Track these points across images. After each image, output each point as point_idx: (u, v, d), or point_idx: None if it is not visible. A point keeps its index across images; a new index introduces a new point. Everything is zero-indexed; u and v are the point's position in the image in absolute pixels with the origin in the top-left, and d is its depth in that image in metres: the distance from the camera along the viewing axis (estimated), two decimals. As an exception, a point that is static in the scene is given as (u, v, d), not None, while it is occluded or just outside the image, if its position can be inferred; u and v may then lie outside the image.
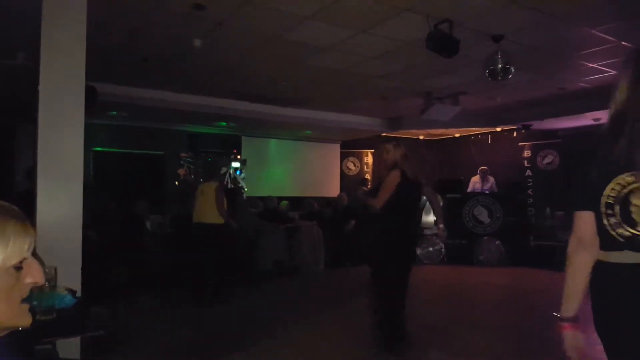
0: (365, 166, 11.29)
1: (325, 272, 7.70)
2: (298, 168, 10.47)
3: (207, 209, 5.51)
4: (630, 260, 1.34)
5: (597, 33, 4.77)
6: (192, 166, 8.82)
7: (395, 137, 9.78)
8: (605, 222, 1.38)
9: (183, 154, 8.79)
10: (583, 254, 1.43)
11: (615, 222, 1.37)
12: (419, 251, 9.10)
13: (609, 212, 1.37)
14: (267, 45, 5.14)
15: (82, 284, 3.00)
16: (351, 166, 11.27)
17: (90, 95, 4.70)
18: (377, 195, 3.75)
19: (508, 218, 8.33)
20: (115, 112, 7.76)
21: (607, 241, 1.39)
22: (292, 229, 7.69)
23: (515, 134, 10.25)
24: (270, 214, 7.93)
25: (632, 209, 1.32)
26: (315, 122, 8.87)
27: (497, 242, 8.18)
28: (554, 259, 8.84)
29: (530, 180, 9.91)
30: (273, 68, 6.02)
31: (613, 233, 1.37)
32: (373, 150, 11.29)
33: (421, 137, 11.69)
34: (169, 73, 6.22)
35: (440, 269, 8.01)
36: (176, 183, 7.73)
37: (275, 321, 4.85)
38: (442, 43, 4.28)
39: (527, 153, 10.06)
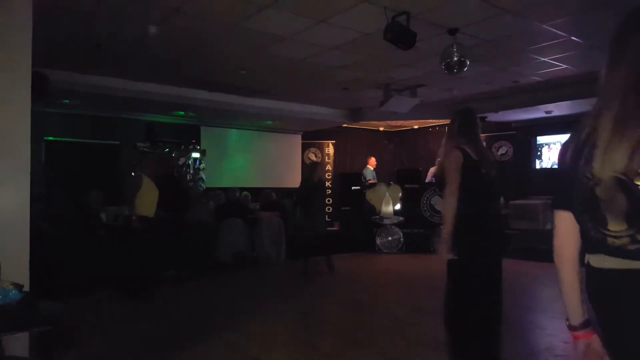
0: (326, 157, 11.34)
1: (286, 263, 7.72)
2: (259, 159, 10.40)
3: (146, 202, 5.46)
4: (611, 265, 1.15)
5: (548, 28, 4.96)
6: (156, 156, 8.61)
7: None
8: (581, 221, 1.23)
9: (140, 144, 8.55)
10: (565, 254, 1.30)
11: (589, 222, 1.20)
12: (378, 241, 9.29)
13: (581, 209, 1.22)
14: (225, 34, 5.06)
15: (31, 278, 2.89)
16: (312, 157, 11.30)
17: (41, 82, 4.49)
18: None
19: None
20: (68, 101, 7.45)
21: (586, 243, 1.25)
22: (252, 221, 7.65)
23: (471, 126, 10.53)
24: (231, 206, 7.86)
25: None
26: (276, 113, 8.82)
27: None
28: (508, 247, 9.24)
29: (438, 168, 10.23)
30: (232, 57, 5.93)
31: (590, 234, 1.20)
32: (334, 141, 11.36)
33: (381, 129, 11.86)
34: (124, 60, 6.02)
35: (399, 258, 8.20)
36: (132, 174, 7.53)
37: (234, 313, 4.84)
38: (400, 35, 4.35)
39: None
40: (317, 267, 7.05)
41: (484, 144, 3.20)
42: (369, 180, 10.07)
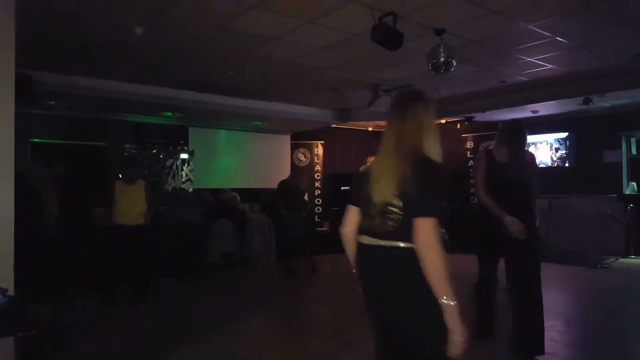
0: (315, 157, 11.35)
1: (277, 263, 7.71)
2: (248, 159, 10.36)
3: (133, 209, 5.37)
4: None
5: (534, 28, 5.01)
6: (137, 158, 8.52)
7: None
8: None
9: (127, 145, 8.47)
10: (348, 234, 1.96)
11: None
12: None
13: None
14: (212, 34, 5.03)
15: (17, 282, 2.85)
16: (302, 157, 11.30)
17: (25, 84, 4.44)
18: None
19: (452, 207, 8.65)
20: (54, 102, 7.35)
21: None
22: (242, 221, 7.63)
23: (458, 126, 10.63)
24: (220, 207, 7.83)
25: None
26: (265, 113, 8.80)
27: (442, 230, 8.50)
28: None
29: (472, 170, 10.33)
30: (220, 57, 5.91)
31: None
32: (323, 142, 11.37)
33: (370, 129, 11.87)
34: (111, 61, 5.96)
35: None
36: (120, 175, 7.46)
37: (223, 314, 4.82)
38: (387, 36, 4.36)
39: (469, 144, 10.47)
40: (306, 267, 7.06)
41: (524, 150, 3.61)
42: None
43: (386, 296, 1.78)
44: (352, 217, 1.92)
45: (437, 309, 1.61)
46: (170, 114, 8.45)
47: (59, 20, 4.56)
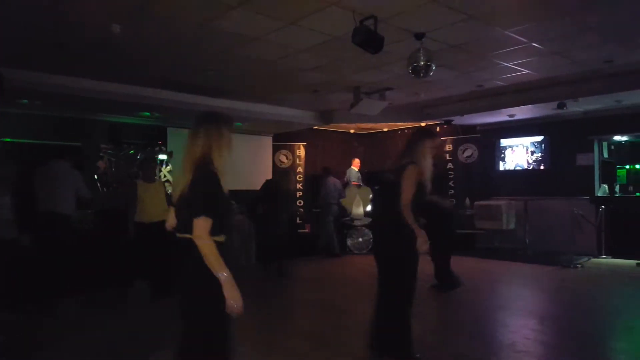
0: (297, 159, 11.34)
1: (256, 266, 7.67)
2: (228, 161, 10.24)
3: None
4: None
5: (511, 34, 5.12)
6: (113, 158, 8.35)
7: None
8: None
9: (103, 146, 8.30)
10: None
11: None
12: (349, 242, 9.35)
13: None
14: (192, 34, 4.98)
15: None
16: (283, 159, 11.27)
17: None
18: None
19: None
20: (26, 101, 7.17)
21: None
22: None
23: (438, 129, 10.76)
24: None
25: None
26: (246, 114, 8.75)
27: (423, 220, 8.60)
28: (475, 245, 9.48)
29: (452, 172, 10.48)
30: (200, 57, 5.85)
31: None
32: (305, 143, 11.37)
33: (352, 131, 11.94)
34: (87, 59, 5.83)
35: (369, 259, 8.23)
36: (95, 177, 7.29)
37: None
38: (368, 39, 4.39)
39: (448, 147, 10.62)
40: (285, 269, 7.05)
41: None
42: (353, 181, 10.10)
43: (183, 274, 2.22)
44: (171, 215, 2.36)
45: (215, 282, 2.10)
46: (148, 113, 8.32)
47: (31, 16, 4.44)
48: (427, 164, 3.40)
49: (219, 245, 2.16)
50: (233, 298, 2.11)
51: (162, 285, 5.40)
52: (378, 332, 3.47)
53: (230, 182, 2.29)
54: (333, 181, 9.30)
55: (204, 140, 2.28)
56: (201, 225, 2.10)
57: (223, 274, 2.11)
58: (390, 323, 3.38)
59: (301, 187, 11.04)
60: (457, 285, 5.72)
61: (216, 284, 2.09)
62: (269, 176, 10.38)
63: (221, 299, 2.09)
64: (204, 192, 2.15)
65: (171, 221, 2.34)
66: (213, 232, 2.13)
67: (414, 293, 3.43)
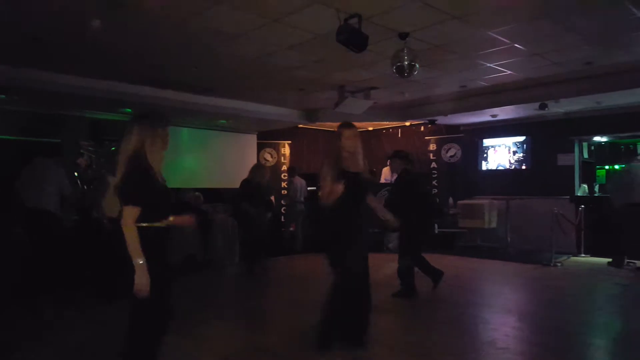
0: (282, 157, 11.30)
1: (240, 265, 7.62)
2: (212, 159, 10.19)
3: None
4: None
5: (493, 35, 5.17)
6: (93, 156, 8.20)
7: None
8: None
9: (84, 142, 8.14)
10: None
11: None
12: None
13: None
14: (173, 30, 4.91)
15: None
16: (268, 157, 11.23)
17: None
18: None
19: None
20: (4, 96, 7.00)
21: None
22: (205, 222, 7.49)
23: (422, 129, 10.85)
24: (181, 207, 7.65)
25: None
26: (230, 112, 8.68)
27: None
28: (456, 244, 9.57)
29: (435, 171, 10.57)
30: (182, 53, 5.78)
31: None
32: (290, 142, 11.33)
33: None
34: (66, 54, 5.71)
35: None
36: (75, 174, 7.15)
37: (183, 316, 4.71)
38: (352, 37, 4.39)
39: (432, 146, 10.70)
40: (267, 268, 7.02)
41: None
42: None
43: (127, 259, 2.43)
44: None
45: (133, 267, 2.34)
46: (130, 110, 8.19)
47: (5, 7, 4.32)
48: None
49: (160, 230, 2.45)
50: (140, 284, 2.33)
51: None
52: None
53: (214, 180, 2.32)
54: (298, 180, 9.44)
55: (136, 137, 2.49)
56: (126, 213, 2.34)
57: (138, 260, 2.32)
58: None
59: (285, 186, 11.01)
60: (411, 294, 5.40)
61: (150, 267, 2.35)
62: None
63: (153, 279, 2.35)
64: (131, 183, 2.38)
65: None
66: (147, 219, 2.37)
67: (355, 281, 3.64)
